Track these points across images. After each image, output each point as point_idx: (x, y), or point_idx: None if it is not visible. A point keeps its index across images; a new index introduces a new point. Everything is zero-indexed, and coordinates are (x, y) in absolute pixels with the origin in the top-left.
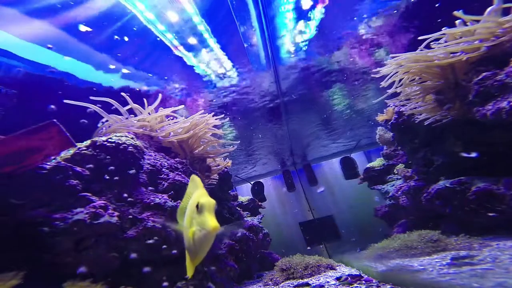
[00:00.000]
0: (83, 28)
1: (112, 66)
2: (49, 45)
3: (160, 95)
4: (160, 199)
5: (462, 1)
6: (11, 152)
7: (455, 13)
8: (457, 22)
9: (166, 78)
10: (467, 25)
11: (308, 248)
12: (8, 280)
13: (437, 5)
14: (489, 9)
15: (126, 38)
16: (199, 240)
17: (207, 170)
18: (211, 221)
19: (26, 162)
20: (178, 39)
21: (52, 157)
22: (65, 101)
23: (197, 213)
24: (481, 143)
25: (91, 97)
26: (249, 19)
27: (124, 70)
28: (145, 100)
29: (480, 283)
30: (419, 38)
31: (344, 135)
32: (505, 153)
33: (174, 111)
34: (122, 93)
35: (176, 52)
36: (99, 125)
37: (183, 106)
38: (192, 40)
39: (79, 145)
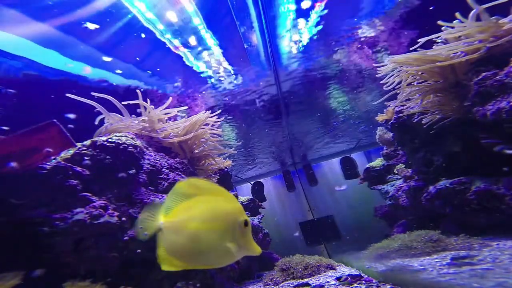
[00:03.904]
0: (91, 26)
1: (107, 59)
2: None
3: (170, 98)
4: (160, 199)
5: (460, 4)
6: (11, 152)
7: (440, 22)
8: (455, 22)
9: (165, 77)
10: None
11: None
12: (8, 280)
13: (431, 8)
14: (471, 14)
15: (133, 38)
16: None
17: (206, 170)
18: (257, 246)
19: (26, 162)
20: (178, 38)
21: (52, 157)
22: (67, 95)
23: (241, 230)
24: (481, 143)
25: (92, 93)
26: (249, 19)
27: (115, 68)
28: (148, 100)
29: (480, 283)
30: (419, 40)
31: (344, 135)
32: (505, 153)
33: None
34: (138, 90)
35: (176, 52)
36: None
37: (186, 107)
38: (192, 40)
39: (79, 145)
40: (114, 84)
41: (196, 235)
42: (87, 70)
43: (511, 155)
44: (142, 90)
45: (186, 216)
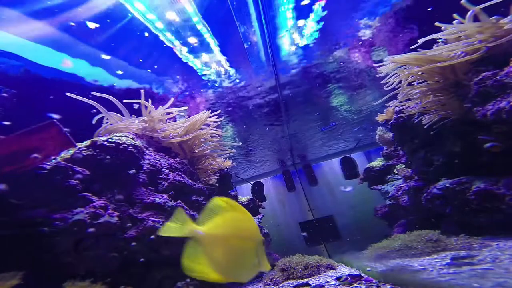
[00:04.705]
0: (91, 25)
1: (106, 56)
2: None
3: (172, 99)
4: (160, 199)
5: (458, 4)
6: (11, 152)
7: (437, 24)
8: (454, 22)
9: (165, 77)
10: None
11: (304, 237)
12: (8, 280)
13: (429, 9)
14: (468, 15)
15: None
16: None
17: (206, 170)
18: (268, 264)
19: (26, 162)
20: (178, 38)
21: (52, 157)
22: (67, 94)
23: (261, 248)
24: (481, 143)
25: (93, 93)
26: (249, 19)
27: (115, 69)
28: (149, 100)
29: (480, 283)
30: (419, 40)
31: (344, 135)
32: (505, 153)
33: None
34: (142, 90)
35: (176, 52)
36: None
37: (187, 107)
38: (192, 40)
39: (79, 145)
40: (114, 84)
41: (235, 251)
42: (66, 63)
43: (502, 152)
44: (142, 90)
45: (226, 231)
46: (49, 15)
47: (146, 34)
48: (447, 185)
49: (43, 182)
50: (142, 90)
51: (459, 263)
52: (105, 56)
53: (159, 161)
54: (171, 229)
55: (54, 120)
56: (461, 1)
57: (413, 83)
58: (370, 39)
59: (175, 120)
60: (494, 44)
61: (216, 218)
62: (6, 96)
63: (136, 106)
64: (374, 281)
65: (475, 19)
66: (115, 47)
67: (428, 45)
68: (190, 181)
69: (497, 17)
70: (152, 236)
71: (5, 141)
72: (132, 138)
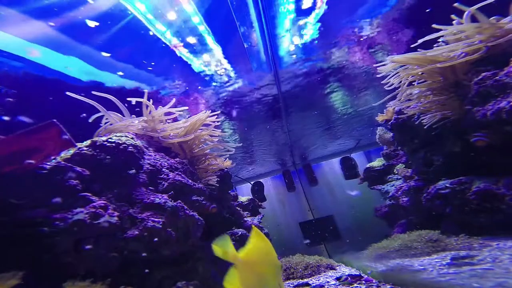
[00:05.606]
0: (91, 23)
1: (105, 54)
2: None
3: (173, 99)
4: (160, 199)
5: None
6: (11, 152)
7: (435, 25)
8: (454, 22)
9: (165, 77)
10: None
11: (307, 243)
12: (8, 280)
13: (427, 10)
14: (464, 15)
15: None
16: None
17: (206, 170)
18: (284, 287)
19: (24, 164)
20: (178, 38)
21: (52, 157)
22: (67, 93)
23: (279, 272)
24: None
25: (93, 92)
26: (249, 19)
27: (116, 70)
28: (151, 100)
29: (480, 283)
30: (419, 40)
31: (344, 135)
32: (505, 153)
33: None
34: (145, 90)
35: (176, 52)
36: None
37: (187, 108)
38: (192, 40)
39: (79, 145)
40: (115, 85)
41: (262, 276)
42: (34, 53)
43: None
44: (142, 90)
45: (256, 259)
46: (49, 16)
47: (151, 33)
48: (447, 185)
49: (43, 182)
50: (145, 91)
51: (459, 263)
52: (104, 53)
53: (159, 161)
54: (217, 252)
55: (54, 120)
56: (455, 4)
57: (413, 83)
58: (370, 38)
59: (176, 120)
60: (494, 44)
61: (249, 247)
62: (11, 100)
63: (134, 102)
64: (374, 281)
65: (476, 20)
66: (115, 47)
67: (427, 45)
68: (190, 181)
69: (497, 17)
70: (152, 236)
71: (5, 141)
72: (132, 138)
